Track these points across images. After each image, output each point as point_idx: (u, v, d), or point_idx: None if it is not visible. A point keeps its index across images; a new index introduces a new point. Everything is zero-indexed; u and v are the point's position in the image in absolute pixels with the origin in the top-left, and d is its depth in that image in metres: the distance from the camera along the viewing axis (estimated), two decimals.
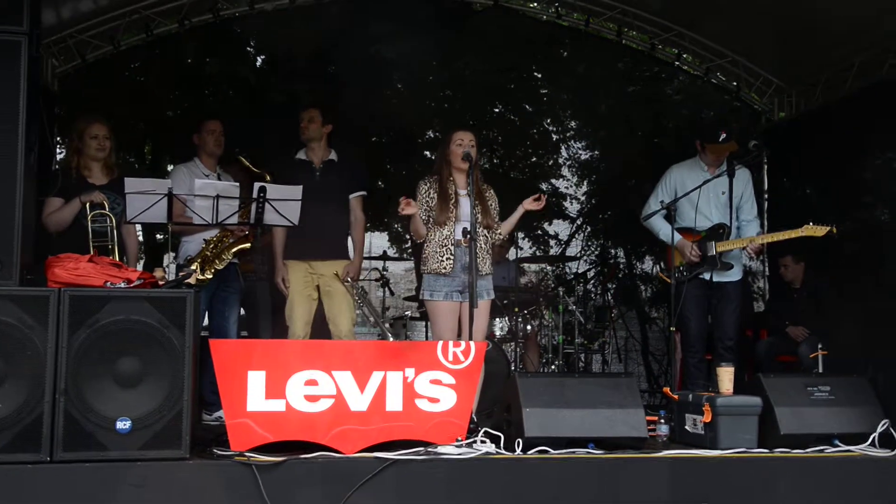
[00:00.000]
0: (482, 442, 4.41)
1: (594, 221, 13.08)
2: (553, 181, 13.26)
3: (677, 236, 5.78)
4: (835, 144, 7.23)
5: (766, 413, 4.66)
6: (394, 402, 4.34)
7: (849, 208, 7.05)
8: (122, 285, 4.12)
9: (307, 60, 9.59)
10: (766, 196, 8.27)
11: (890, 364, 4.94)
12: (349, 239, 5.93)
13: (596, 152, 13.06)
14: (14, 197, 4.09)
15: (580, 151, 13.33)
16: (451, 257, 5.21)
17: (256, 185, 5.08)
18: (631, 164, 10.97)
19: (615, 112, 11.47)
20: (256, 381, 4.21)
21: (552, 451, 4.32)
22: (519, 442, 4.35)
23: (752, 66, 8.21)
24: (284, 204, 5.09)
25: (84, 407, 3.87)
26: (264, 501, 3.87)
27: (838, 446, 4.62)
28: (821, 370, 5.56)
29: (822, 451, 4.59)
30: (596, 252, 12.87)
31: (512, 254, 8.22)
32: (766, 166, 8.40)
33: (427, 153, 11.48)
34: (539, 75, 11.97)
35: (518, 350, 7.10)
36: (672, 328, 5.76)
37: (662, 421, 5.04)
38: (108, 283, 4.11)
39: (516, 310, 7.19)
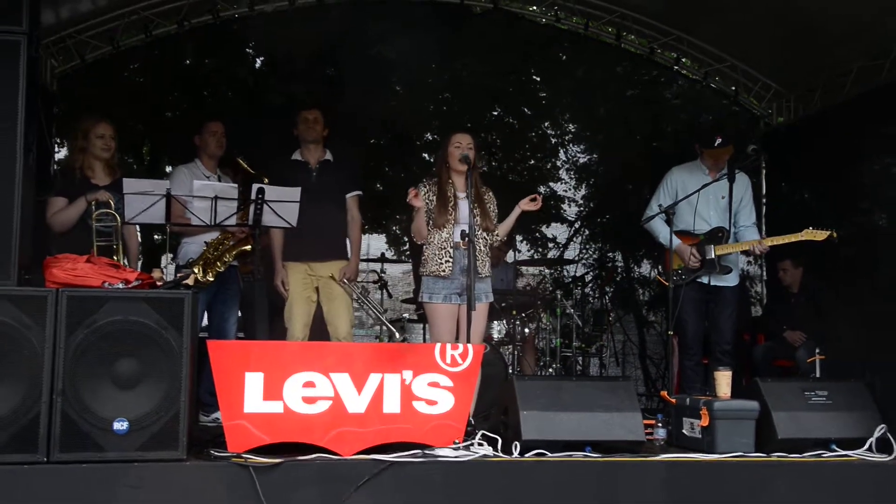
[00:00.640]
0: (479, 444, 4.40)
1: (592, 225, 13.11)
2: (551, 184, 13.28)
3: (676, 240, 5.78)
4: (833, 149, 7.25)
5: (763, 417, 4.65)
6: (391, 405, 4.33)
7: (847, 213, 7.05)
8: (120, 286, 4.11)
9: (306, 62, 9.59)
10: (764, 200, 8.29)
11: (887, 368, 4.94)
12: (347, 239, 5.94)
13: (594, 155, 13.09)
14: (12, 197, 4.08)
15: (579, 155, 13.36)
16: (450, 260, 5.21)
17: (255, 186, 5.08)
18: (629, 167, 10.99)
19: (614, 115, 11.49)
20: (254, 382, 4.20)
21: (549, 454, 4.32)
22: (516, 445, 4.34)
23: (751, 70, 8.23)
24: (283, 205, 5.08)
25: (81, 407, 3.85)
26: (261, 503, 3.87)
27: (835, 451, 4.61)
28: (818, 375, 5.56)
29: (819, 455, 4.58)
30: (594, 255, 12.89)
31: (510, 257, 8.22)
32: (764, 171, 8.42)
33: (425, 155, 11.50)
34: (538, 78, 11.98)
35: (516, 353, 7.10)
36: (670, 332, 5.76)
37: (660, 424, 5.05)
38: (106, 284, 4.10)
39: (514, 313, 7.19)
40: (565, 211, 13.19)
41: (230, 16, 7.95)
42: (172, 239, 5.71)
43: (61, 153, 8.97)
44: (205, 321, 5.99)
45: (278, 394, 4.22)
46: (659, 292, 11.12)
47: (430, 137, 11.69)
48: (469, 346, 4.54)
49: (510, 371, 6.78)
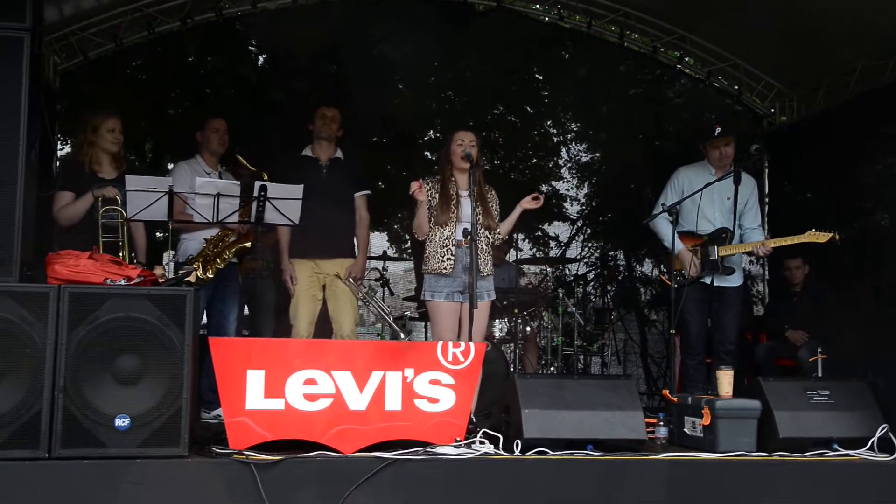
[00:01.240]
0: (481, 443, 4.40)
1: (594, 223, 13.09)
2: (553, 183, 13.27)
3: (680, 245, 5.76)
4: (836, 149, 7.23)
5: (765, 416, 4.65)
6: (393, 402, 4.34)
7: (850, 213, 7.04)
8: (122, 283, 4.11)
9: (309, 59, 9.58)
10: (766, 200, 8.27)
11: (889, 368, 4.93)
12: (354, 237, 5.94)
13: (597, 154, 13.07)
14: (14, 194, 4.09)
15: (581, 153, 13.35)
16: (452, 258, 5.21)
17: (257, 183, 5.08)
18: (631, 166, 10.97)
19: (616, 114, 11.47)
20: (256, 379, 4.20)
21: (551, 453, 4.32)
22: (517, 443, 4.34)
23: (754, 69, 8.21)
24: (285, 203, 5.08)
25: (83, 404, 3.86)
26: (262, 500, 3.87)
27: (837, 450, 4.62)
28: (820, 374, 5.56)
29: (821, 455, 4.58)
30: (596, 254, 12.88)
31: (512, 255, 8.22)
32: (767, 170, 8.40)
33: (427, 154, 11.49)
34: (540, 77, 11.96)
35: (517, 351, 7.09)
36: (672, 331, 5.76)
37: (661, 423, 5.05)
38: (108, 281, 4.10)
39: (516, 311, 7.18)
40: (567, 210, 13.17)
41: (233, 13, 7.94)
42: (175, 236, 5.71)
43: (64, 150, 8.98)
44: (204, 319, 5.99)
45: (280, 391, 4.22)
46: (660, 291, 11.11)
47: (432, 136, 11.68)
48: (471, 344, 4.54)
49: (512, 369, 6.78)
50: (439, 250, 5.25)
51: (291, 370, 4.25)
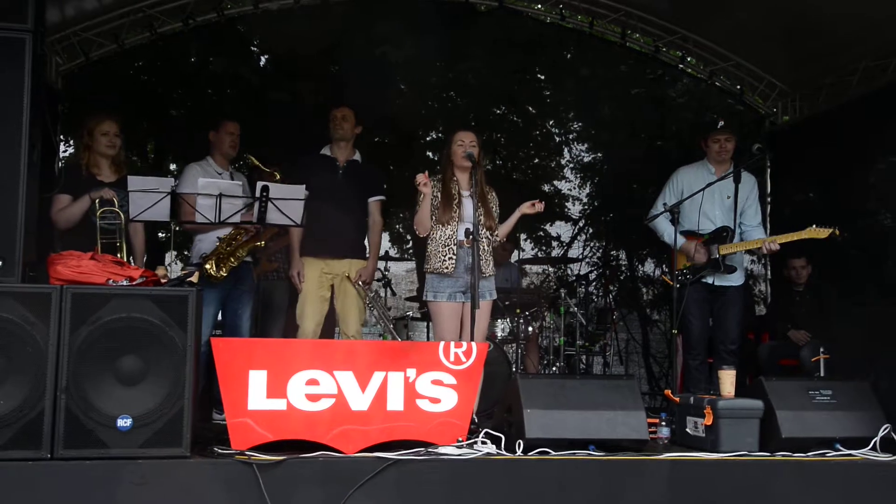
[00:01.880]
0: (483, 443, 4.40)
1: (596, 223, 13.09)
2: (556, 183, 13.27)
3: (681, 239, 5.77)
4: (838, 149, 7.24)
5: (767, 416, 4.64)
6: (395, 402, 4.34)
7: (852, 213, 7.04)
8: (125, 283, 4.12)
9: (311, 60, 9.58)
10: (768, 200, 8.27)
11: (892, 368, 4.93)
12: (366, 240, 5.95)
13: (599, 154, 13.06)
14: (17, 194, 4.09)
15: (583, 153, 13.34)
16: (454, 257, 5.21)
17: (259, 184, 5.08)
18: (634, 166, 10.97)
19: (618, 114, 11.46)
20: (258, 380, 4.21)
21: (553, 453, 4.32)
22: (520, 443, 4.34)
23: (756, 69, 8.21)
24: (287, 203, 5.08)
25: (85, 404, 3.86)
26: (265, 500, 3.87)
27: (840, 450, 4.61)
28: (822, 374, 5.55)
29: (823, 455, 4.57)
30: (598, 254, 12.88)
31: (514, 255, 8.22)
32: (769, 170, 8.40)
33: (429, 154, 11.49)
34: (542, 77, 11.96)
35: (519, 351, 7.09)
36: (674, 330, 5.76)
37: (663, 423, 5.04)
38: (111, 281, 4.10)
39: (518, 311, 7.19)
40: (569, 210, 13.18)
41: (235, 14, 7.95)
42: (178, 236, 5.72)
43: (66, 152, 9.00)
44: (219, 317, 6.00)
45: (282, 391, 4.22)
46: (662, 291, 11.11)
47: (434, 136, 11.67)
48: (473, 344, 4.54)
49: (514, 369, 6.79)
50: (441, 249, 5.25)
51: (293, 370, 4.26)
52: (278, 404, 4.22)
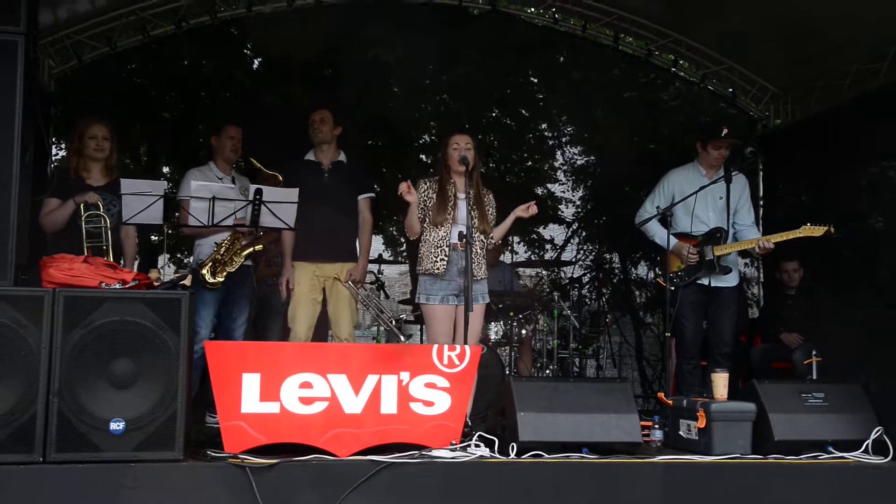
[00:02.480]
0: (476, 446, 4.41)
1: (589, 226, 13.09)
2: (549, 185, 13.27)
3: (673, 240, 5.78)
4: (830, 152, 7.26)
5: (760, 419, 4.66)
6: (388, 406, 4.34)
7: (843, 215, 7.05)
8: (117, 286, 4.11)
9: (304, 63, 9.58)
10: (761, 203, 8.29)
11: (884, 371, 4.94)
12: (357, 241, 5.94)
13: (592, 157, 13.07)
14: (9, 197, 4.09)
15: (576, 156, 13.34)
16: (446, 259, 5.21)
17: (252, 187, 5.08)
18: (626, 169, 10.96)
19: (611, 118, 11.47)
20: (251, 383, 4.20)
21: (546, 456, 4.32)
22: (513, 446, 4.34)
23: (748, 73, 8.24)
24: (281, 206, 5.08)
25: (77, 408, 3.85)
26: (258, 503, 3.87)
27: (832, 453, 4.62)
28: (815, 377, 5.57)
29: (815, 457, 4.58)
30: (591, 257, 12.88)
31: (507, 258, 8.22)
32: (761, 173, 8.42)
33: (423, 157, 11.49)
34: (535, 80, 11.97)
35: (512, 354, 7.10)
36: (667, 333, 5.77)
37: (657, 426, 5.05)
38: (103, 284, 4.10)
39: (511, 314, 7.19)
40: (562, 212, 13.17)
41: (228, 16, 7.94)
42: (171, 239, 5.72)
43: (59, 154, 8.97)
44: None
45: (275, 394, 4.22)
46: (656, 294, 11.12)
47: (427, 139, 11.68)
48: (466, 347, 4.54)
49: (507, 372, 6.79)
50: (433, 250, 5.25)
51: (287, 373, 4.25)
52: (272, 407, 4.21)
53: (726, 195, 5.82)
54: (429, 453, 4.25)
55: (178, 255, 11.98)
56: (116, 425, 3.88)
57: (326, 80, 9.90)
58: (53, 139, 7.72)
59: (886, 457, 4.58)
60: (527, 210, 5.28)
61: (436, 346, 4.51)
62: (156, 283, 4.40)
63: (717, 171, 5.93)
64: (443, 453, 4.26)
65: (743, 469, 4.43)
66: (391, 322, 6.50)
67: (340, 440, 4.22)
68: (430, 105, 11.27)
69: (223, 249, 5.60)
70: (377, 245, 13.27)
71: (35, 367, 3.83)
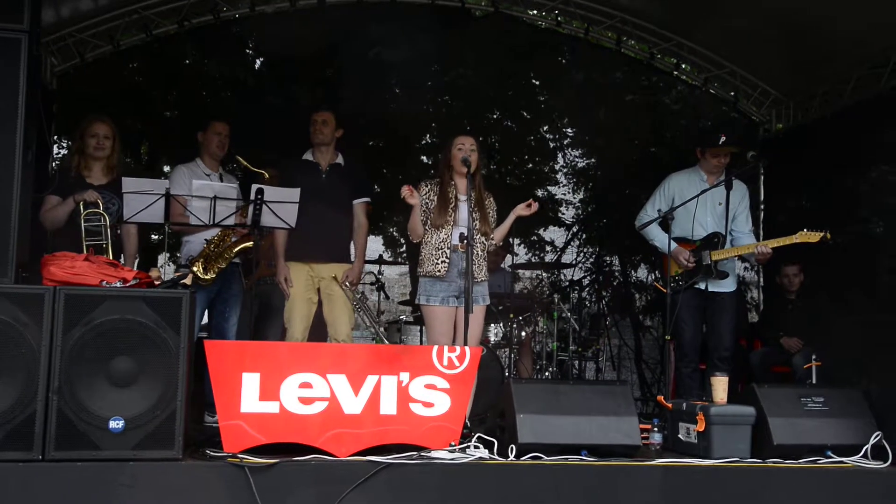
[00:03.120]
0: (476, 447, 4.41)
1: (590, 229, 13.10)
2: (549, 188, 13.28)
3: (673, 244, 5.78)
4: (831, 157, 7.26)
5: (759, 423, 4.66)
6: (388, 406, 4.33)
7: (844, 220, 7.06)
8: (118, 285, 4.11)
9: (306, 63, 9.59)
10: (762, 207, 8.30)
11: (884, 375, 4.94)
12: (352, 243, 5.94)
13: (593, 160, 13.09)
14: (11, 195, 4.09)
15: (577, 159, 13.36)
16: (447, 261, 5.21)
17: (254, 186, 5.08)
18: (628, 172, 10.99)
19: (613, 120, 11.48)
20: (251, 382, 4.20)
21: (545, 458, 4.32)
22: (512, 448, 4.34)
23: (751, 77, 8.24)
24: (282, 206, 5.08)
25: (77, 406, 3.85)
26: (257, 503, 3.86)
27: (831, 457, 4.62)
28: (814, 381, 5.57)
29: (815, 462, 4.58)
30: (591, 259, 12.89)
31: (507, 260, 8.22)
32: (762, 177, 8.43)
33: (424, 158, 11.50)
34: (537, 82, 11.98)
35: (512, 356, 7.10)
36: (667, 336, 5.76)
37: (656, 429, 5.04)
38: (104, 283, 4.09)
39: (511, 316, 7.19)
40: (563, 215, 13.19)
41: (230, 16, 7.95)
42: (171, 238, 5.71)
43: (60, 153, 8.98)
44: (205, 319, 5.98)
45: (275, 394, 4.21)
46: (655, 297, 11.11)
47: (428, 140, 11.69)
48: (466, 348, 4.54)
49: (507, 374, 6.79)
50: (434, 252, 5.25)
51: (287, 373, 4.25)
52: (271, 407, 4.21)
53: (725, 201, 5.83)
54: (428, 454, 4.24)
55: (178, 254, 11.99)
56: (116, 424, 3.88)
57: (328, 79, 9.91)
58: (55, 137, 7.72)
59: (885, 462, 4.58)
60: (527, 208, 5.28)
61: (436, 348, 4.51)
62: (156, 282, 4.40)
63: (718, 177, 5.93)
64: (442, 454, 4.26)
65: (742, 473, 4.43)
66: (379, 327, 6.52)
67: (340, 440, 4.22)
68: (432, 106, 11.29)
69: (214, 246, 5.59)
70: (378, 246, 13.30)
71: (35, 364, 3.83)
